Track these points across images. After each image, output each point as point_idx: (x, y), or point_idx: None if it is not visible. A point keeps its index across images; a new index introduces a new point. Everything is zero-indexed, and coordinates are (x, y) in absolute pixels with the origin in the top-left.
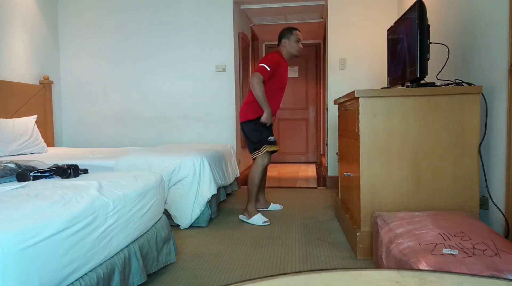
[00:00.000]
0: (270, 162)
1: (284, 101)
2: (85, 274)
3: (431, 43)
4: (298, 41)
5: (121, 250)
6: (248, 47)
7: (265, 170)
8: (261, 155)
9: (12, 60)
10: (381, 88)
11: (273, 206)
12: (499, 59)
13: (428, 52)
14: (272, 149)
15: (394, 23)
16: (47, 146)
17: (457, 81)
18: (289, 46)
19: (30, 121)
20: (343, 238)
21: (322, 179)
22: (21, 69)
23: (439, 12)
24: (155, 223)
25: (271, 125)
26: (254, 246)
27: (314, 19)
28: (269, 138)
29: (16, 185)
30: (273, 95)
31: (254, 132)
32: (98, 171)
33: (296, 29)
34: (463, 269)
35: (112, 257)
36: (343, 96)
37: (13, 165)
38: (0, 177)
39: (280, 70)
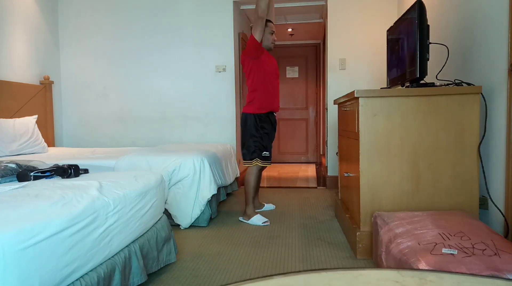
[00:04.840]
0: (260, 174)
1: (284, 101)
2: (86, 273)
3: (430, 43)
4: (272, 33)
5: (122, 250)
6: None
7: (260, 172)
8: (251, 168)
9: (13, 60)
10: (381, 88)
11: (267, 206)
12: (499, 59)
13: (428, 52)
14: (262, 165)
15: (394, 23)
16: (48, 146)
17: (456, 81)
18: (264, 39)
19: (30, 121)
20: (343, 238)
21: (322, 179)
22: (21, 69)
23: (439, 12)
24: (155, 223)
25: (272, 130)
26: (254, 246)
27: (314, 19)
28: (264, 153)
29: (17, 185)
30: (267, 86)
31: (248, 132)
32: (99, 171)
33: (269, 21)
34: (462, 268)
35: (112, 256)
36: (343, 96)
37: (13, 165)
38: (1, 177)
39: (264, 57)
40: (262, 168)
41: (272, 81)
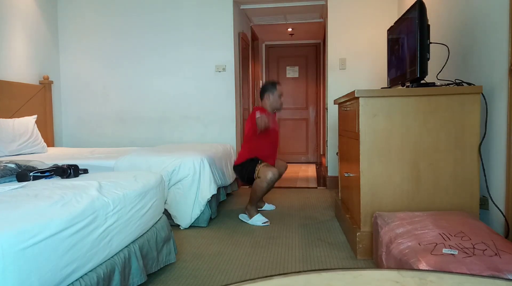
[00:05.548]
0: (277, 177)
1: (284, 101)
2: (85, 274)
3: (431, 43)
4: (280, 95)
5: (121, 250)
6: (248, 47)
7: (272, 183)
8: (261, 172)
9: (12, 60)
10: (381, 88)
11: (267, 206)
12: (499, 59)
13: (428, 52)
14: (265, 163)
15: (394, 23)
16: (47, 146)
17: (457, 81)
18: (273, 101)
19: (30, 121)
20: (343, 238)
21: (322, 179)
22: (21, 69)
23: (439, 12)
24: (155, 223)
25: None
26: (254, 246)
27: (314, 19)
28: (258, 161)
29: (16, 185)
30: (265, 146)
31: (243, 169)
32: (98, 171)
33: (278, 83)
34: (463, 269)
35: (112, 257)
36: (343, 96)
37: (13, 165)
38: (0, 177)
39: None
40: (274, 178)
41: (269, 146)
